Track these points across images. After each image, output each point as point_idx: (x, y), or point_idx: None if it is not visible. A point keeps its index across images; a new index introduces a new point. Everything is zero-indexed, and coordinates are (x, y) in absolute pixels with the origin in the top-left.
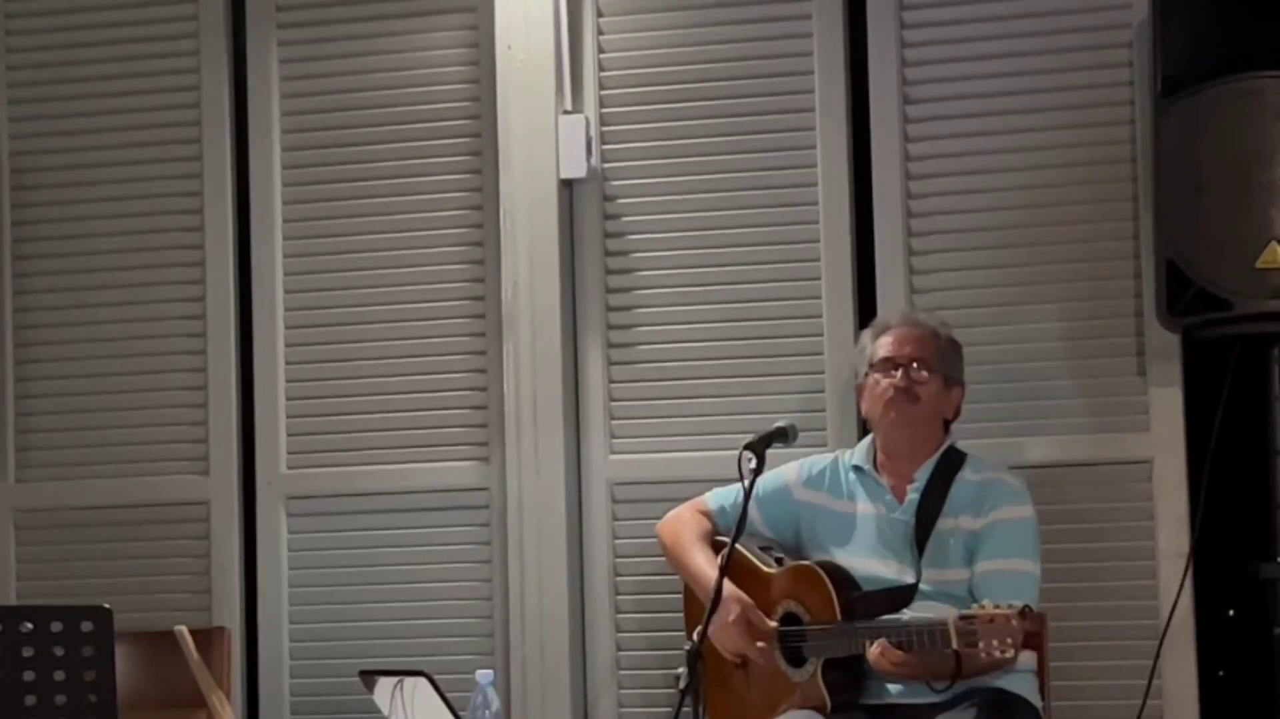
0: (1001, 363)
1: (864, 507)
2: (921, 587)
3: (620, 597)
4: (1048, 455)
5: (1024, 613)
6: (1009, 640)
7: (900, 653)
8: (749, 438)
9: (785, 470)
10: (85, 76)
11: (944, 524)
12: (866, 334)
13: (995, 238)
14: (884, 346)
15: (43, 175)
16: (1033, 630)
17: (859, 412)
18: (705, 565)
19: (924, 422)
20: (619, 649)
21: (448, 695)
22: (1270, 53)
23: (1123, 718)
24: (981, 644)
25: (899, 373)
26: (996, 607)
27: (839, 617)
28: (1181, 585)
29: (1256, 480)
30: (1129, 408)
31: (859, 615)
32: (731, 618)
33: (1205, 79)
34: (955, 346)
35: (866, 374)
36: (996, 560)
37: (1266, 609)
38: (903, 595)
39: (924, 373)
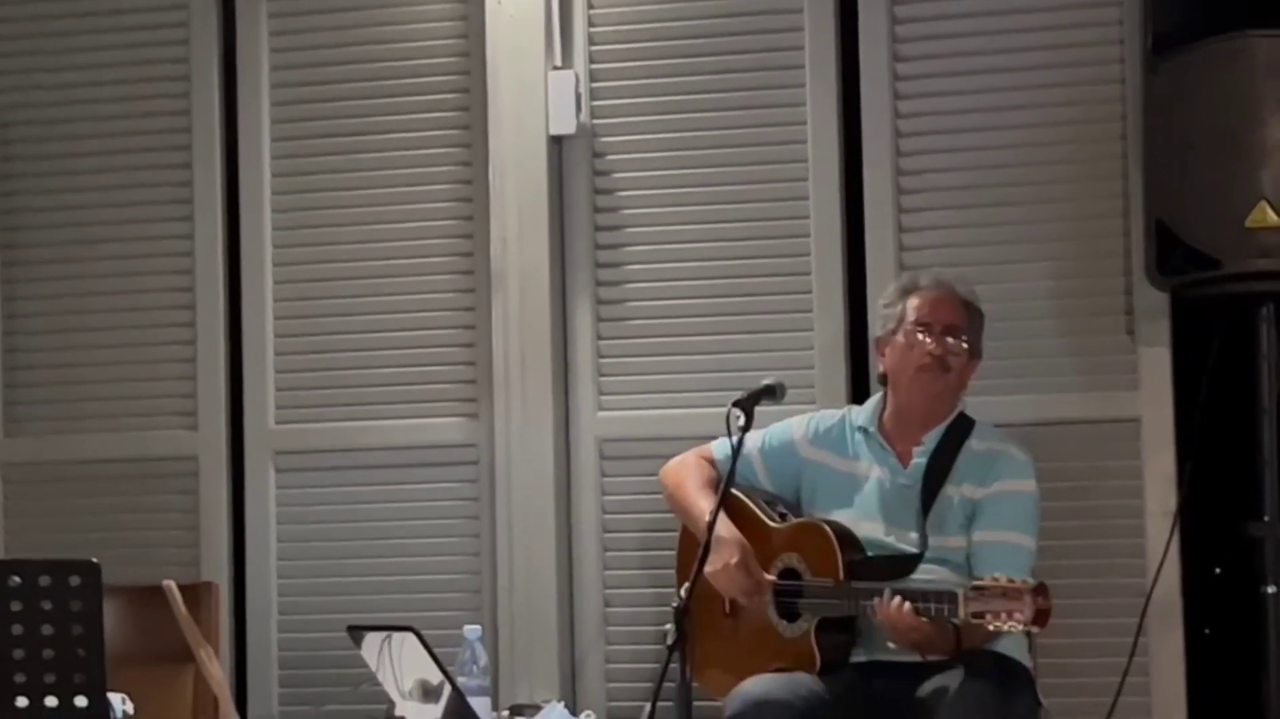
0: (990, 321)
1: (868, 468)
2: None
3: (608, 553)
4: (1036, 414)
5: (1037, 589)
6: (1017, 615)
7: (917, 618)
8: (737, 395)
9: (793, 425)
10: (73, 31)
11: (948, 491)
12: (895, 289)
13: (984, 196)
14: (918, 308)
15: (31, 130)
16: (1044, 608)
17: (850, 368)
18: (707, 510)
19: (950, 391)
20: (607, 605)
21: (436, 651)
22: (1261, 11)
23: (1109, 676)
24: (989, 616)
25: (934, 340)
26: (1010, 580)
27: (841, 577)
28: (1169, 544)
29: (1244, 439)
30: (1117, 367)
31: (860, 578)
32: (734, 561)
33: (1195, 37)
34: (980, 316)
35: (894, 331)
36: (993, 532)
37: (1253, 568)
38: (906, 564)
39: (957, 342)
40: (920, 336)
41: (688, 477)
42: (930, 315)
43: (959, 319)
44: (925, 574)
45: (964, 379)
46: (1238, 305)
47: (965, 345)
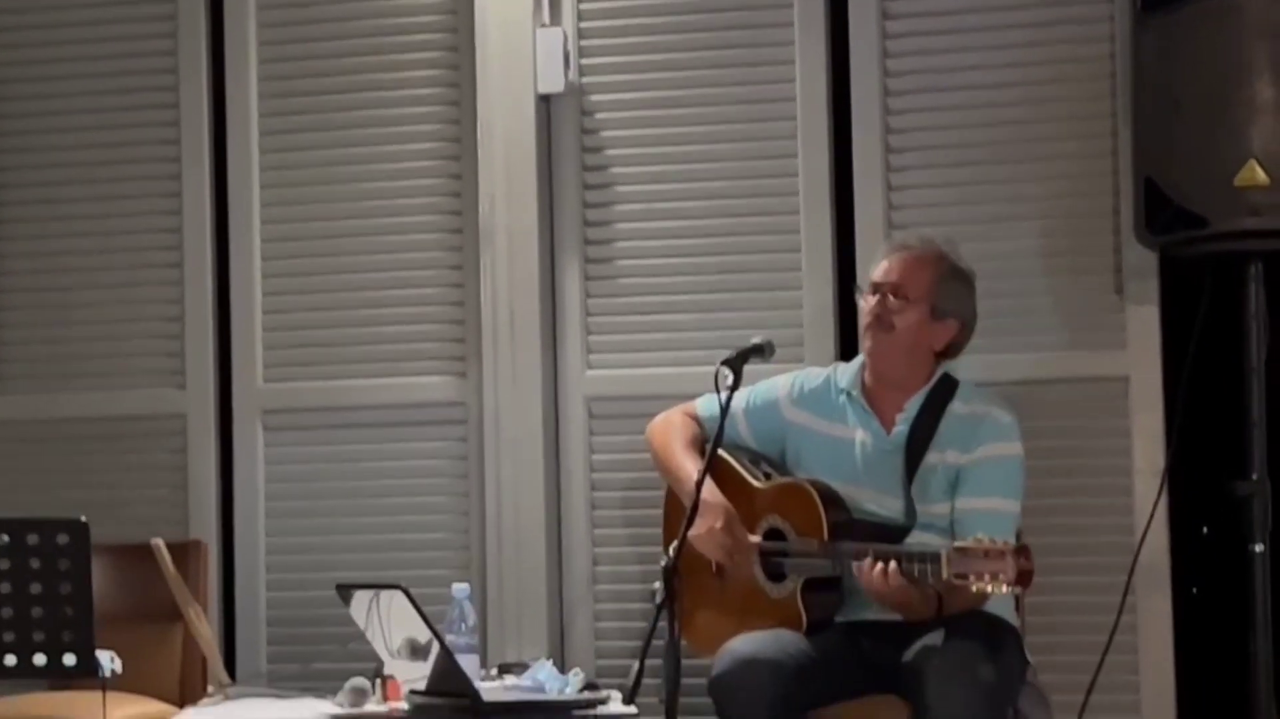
0: (979, 280)
1: (852, 432)
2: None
3: (597, 511)
4: (1024, 372)
5: (1020, 550)
6: (1000, 576)
7: (899, 580)
8: (726, 353)
9: (777, 384)
10: None
11: (931, 458)
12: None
13: (973, 154)
14: (875, 269)
15: (17, 87)
16: (1026, 569)
17: (839, 328)
18: (693, 472)
19: (900, 352)
20: (595, 564)
21: (424, 609)
22: None
23: (1097, 635)
24: (972, 577)
25: (874, 300)
26: (993, 541)
27: (825, 537)
28: (1156, 503)
29: (1232, 398)
30: (1106, 325)
31: (845, 538)
32: (718, 525)
33: None
34: (958, 277)
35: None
36: (976, 499)
37: (1241, 526)
38: (893, 535)
39: (899, 301)
40: (868, 298)
41: (674, 436)
42: (881, 276)
43: (910, 278)
44: (910, 539)
45: (920, 340)
46: (1226, 264)
47: (902, 303)
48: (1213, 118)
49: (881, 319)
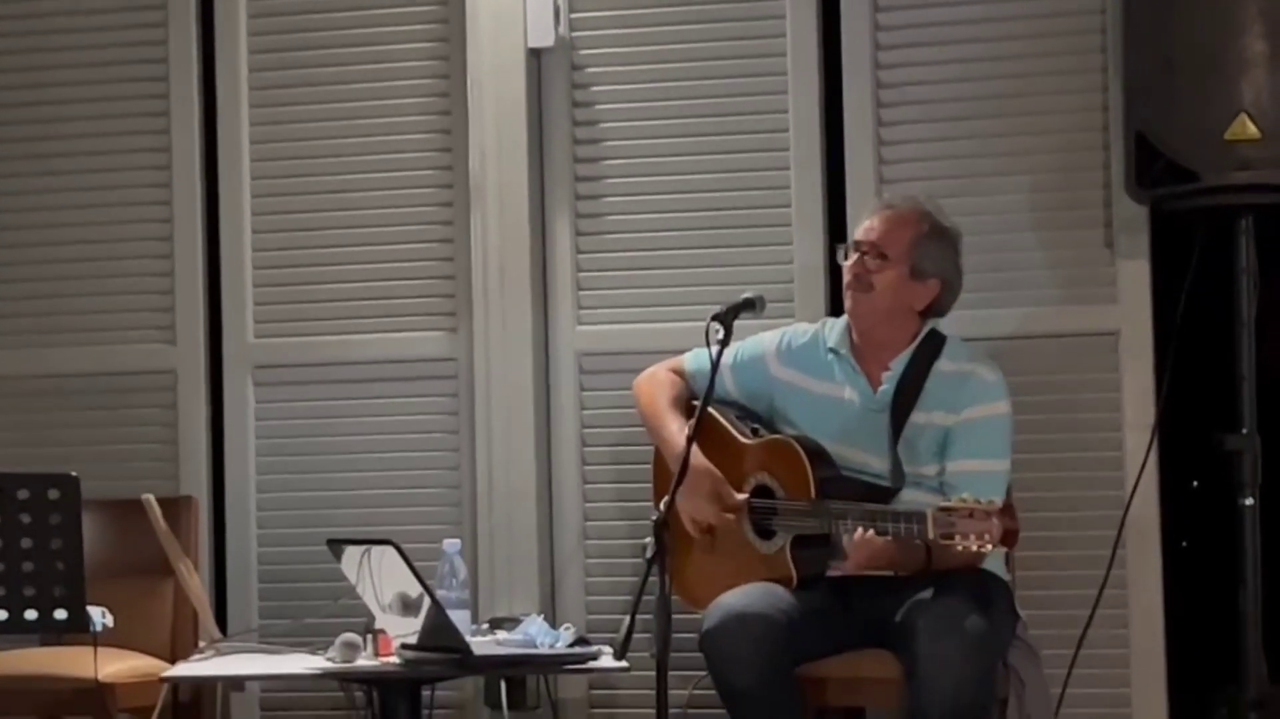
0: (970, 235)
1: (839, 390)
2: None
3: (587, 467)
4: (1015, 327)
5: (1004, 509)
6: (986, 536)
7: (880, 541)
8: (717, 309)
9: (764, 341)
10: None
11: (918, 418)
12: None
13: (965, 109)
14: (858, 228)
15: (7, 41)
16: (1011, 528)
17: (830, 284)
18: (679, 433)
19: (881, 311)
20: (586, 519)
21: (415, 564)
22: None
23: (1087, 588)
24: (958, 537)
25: (855, 259)
26: (977, 501)
27: (813, 495)
28: (1146, 457)
29: (1223, 352)
30: (1097, 279)
31: (833, 496)
32: (704, 490)
33: None
34: (940, 236)
35: None
36: (967, 461)
37: (1231, 480)
38: (882, 492)
39: (878, 261)
40: (850, 256)
41: (659, 394)
42: (861, 235)
43: (890, 238)
44: (900, 497)
45: (901, 299)
46: (1217, 218)
47: (879, 262)
48: (1203, 71)
49: (861, 279)
